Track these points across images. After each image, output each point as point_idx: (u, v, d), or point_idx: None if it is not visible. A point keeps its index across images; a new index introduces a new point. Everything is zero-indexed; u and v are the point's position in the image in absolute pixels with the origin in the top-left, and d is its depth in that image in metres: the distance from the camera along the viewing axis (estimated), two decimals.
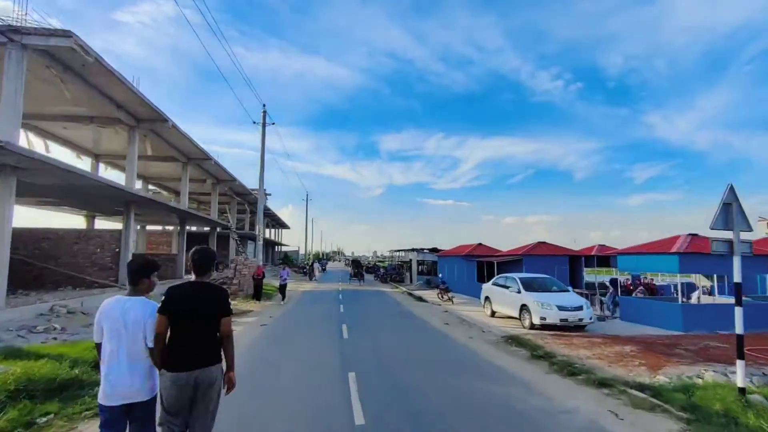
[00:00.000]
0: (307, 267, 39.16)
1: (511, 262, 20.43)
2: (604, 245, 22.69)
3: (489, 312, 14.92)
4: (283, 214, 70.82)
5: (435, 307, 17.76)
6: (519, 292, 12.98)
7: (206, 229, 31.51)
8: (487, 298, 15.23)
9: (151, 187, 31.48)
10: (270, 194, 56.74)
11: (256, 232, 24.03)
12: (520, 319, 12.65)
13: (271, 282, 27.91)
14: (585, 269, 21.76)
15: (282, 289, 18.29)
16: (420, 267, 32.54)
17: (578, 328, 11.88)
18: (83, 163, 21.84)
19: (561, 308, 11.66)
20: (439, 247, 33.66)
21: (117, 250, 16.70)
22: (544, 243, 21.43)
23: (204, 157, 23.72)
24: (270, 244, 63.57)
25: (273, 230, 67.98)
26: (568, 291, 13.27)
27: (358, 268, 32.23)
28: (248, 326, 12.09)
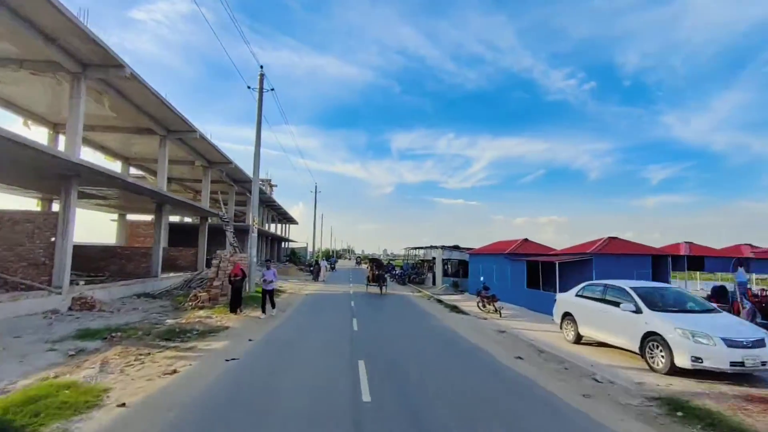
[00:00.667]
0: (313, 265, 34.24)
1: (577, 263, 15.64)
2: (691, 242, 17.73)
3: (571, 336, 10.15)
4: (293, 212, 66.54)
5: (482, 323, 13.02)
6: (638, 311, 8.19)
7: (196, 220, 27.19)
8: (567, 315, 10.45)
9: (133, 170, 27.24)
10: (276, 185, 52.55)
11: (249, 221, 19.52)
12: (642, 355, 7.87)
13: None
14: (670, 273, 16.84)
15: (268, 296, 13.10)
16: (444, 267, 27.76)
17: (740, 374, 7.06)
18: (34, 134, 17.57)
19: (730, 343, 6.85)
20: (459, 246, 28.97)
21: (52, 239, 12.28)
22: (616, 238, 16.59)
23: (186, 129, 19.27)
24: (276, 240, 59.36)
25: (280, 225, 63.76)
26: (716, 311, 8.42)
27: (380, 269, 23.73)
28: (209, 359, 7.52)
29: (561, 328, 10.69)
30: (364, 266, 61.19)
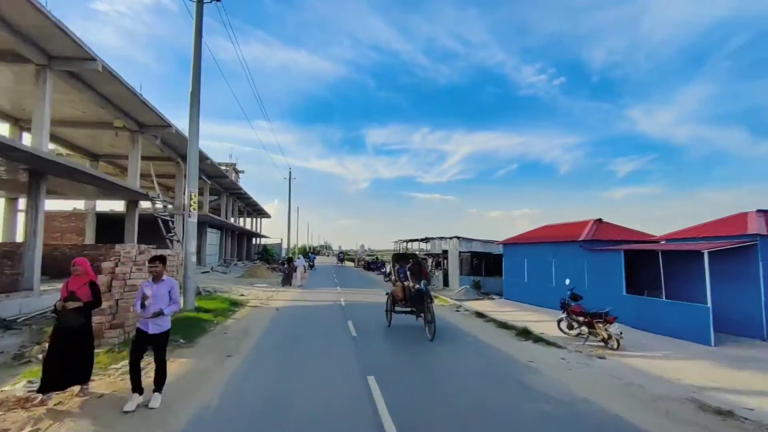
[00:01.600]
0: (285, 264, 24.30)
1: (726, 252, 9.56)
2: None
3: None
4: (268, 208, 58.90)
5: (616, 372, 6.66)
6: None
7: (123, 208, 19.83)
8: None
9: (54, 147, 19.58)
10: (243, 171, 45.10)
11: (186, 199, 12.52)
12: None
13: (228, 288, 15.79)
14: None
15: (154, 354, 5.22)
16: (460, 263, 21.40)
17: None
18: None
19: None
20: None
21: None
22: None
23: (76, 56, 12.08)
24: (245, 235, 51.92)
25: (249, 219, 56.19)
26: None
27: (420, 277, 10.03)
28: None
29: None
30: (348, 264, 54.11)
